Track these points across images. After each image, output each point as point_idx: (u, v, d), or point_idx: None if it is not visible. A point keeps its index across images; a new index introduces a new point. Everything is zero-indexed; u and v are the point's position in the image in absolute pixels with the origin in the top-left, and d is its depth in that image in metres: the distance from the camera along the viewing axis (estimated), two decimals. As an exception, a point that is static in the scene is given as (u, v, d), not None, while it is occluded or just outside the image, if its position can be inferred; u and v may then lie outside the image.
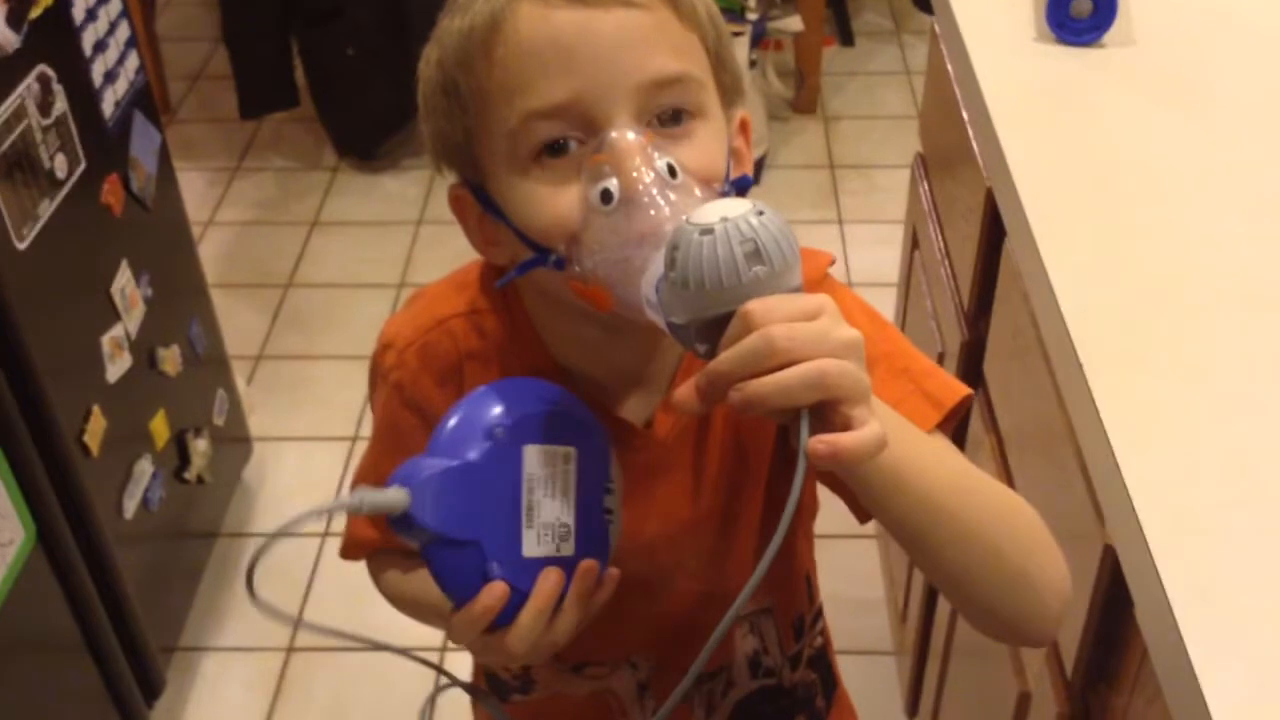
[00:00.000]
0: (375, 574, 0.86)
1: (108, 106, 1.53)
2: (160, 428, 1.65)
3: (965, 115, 1.18)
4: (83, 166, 1.44)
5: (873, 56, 3.16)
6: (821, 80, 2.97)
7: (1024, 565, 0.68)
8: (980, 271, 1.17)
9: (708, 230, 0.56)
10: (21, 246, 1.32)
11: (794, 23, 2.74)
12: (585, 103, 0.65)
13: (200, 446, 1.77)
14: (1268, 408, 0.77)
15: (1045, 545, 0.70)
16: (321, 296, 2.48)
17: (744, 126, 0.76)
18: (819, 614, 0.95)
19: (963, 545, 0.66)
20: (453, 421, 0.65)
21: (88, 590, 1.48)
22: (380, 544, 0.83)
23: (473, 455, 0.64)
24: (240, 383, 2.01)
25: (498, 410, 0.66)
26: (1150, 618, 0.69)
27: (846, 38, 3.19)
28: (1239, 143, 1.00)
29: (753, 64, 2.61)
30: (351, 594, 1.81)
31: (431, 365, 0.78)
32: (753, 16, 2.60)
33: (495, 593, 0.64)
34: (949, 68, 1.25)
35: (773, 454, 0.81)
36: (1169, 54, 1.11)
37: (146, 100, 1.65)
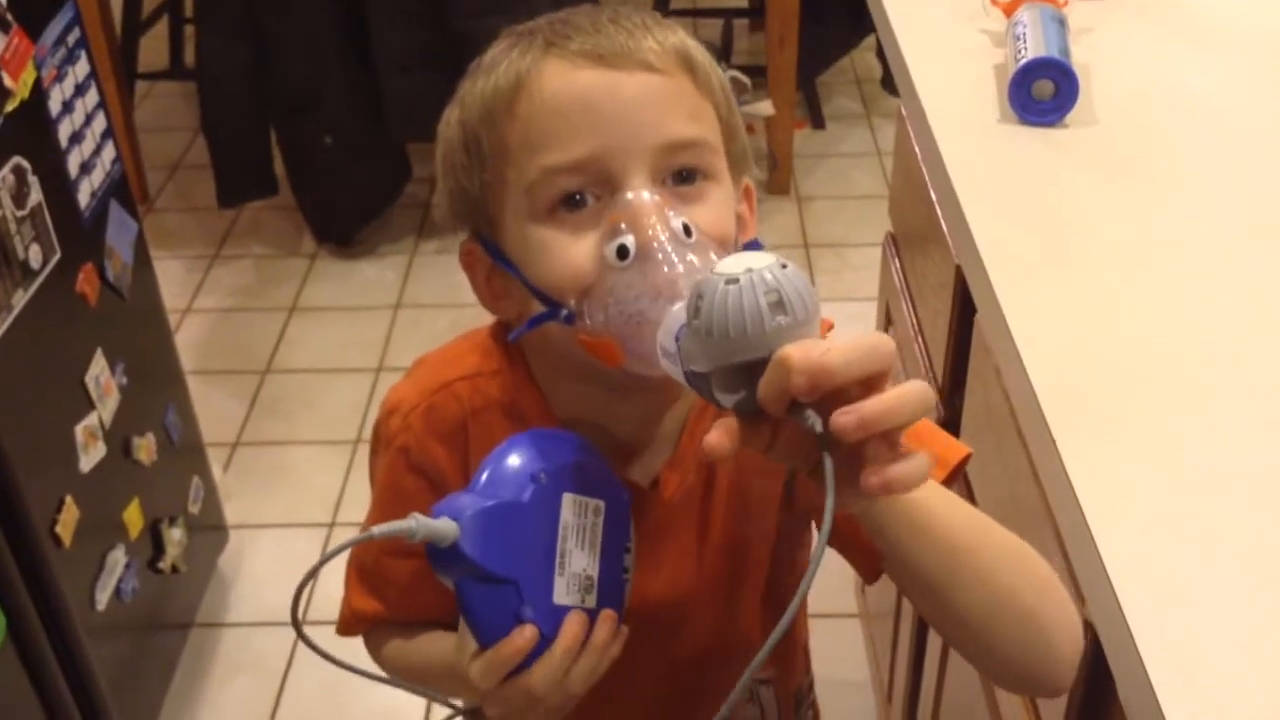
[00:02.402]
0: (375, 649, 0.85)
1: (84, 197, 1.54)
2: (134, 517, 1.64)
3: (933, 195, 1.19)
4: (57, 256, 1.45)
5: (844, 138, 3.22)
6: (794, 162, 3.01)
7: (1036, 607, 0.69)
8: (953, 348, 1.17)
9: (733, 280, 0.57)
10: (-5, 337, 1.31)
11: (765, 107, 2.79)
12: (604, 159, 0.68)
13: (175, 535, 1.75)
14: (1242, 479, 0.77)
15: (1055, 589, 0.70)
16: (299, 382, 2.48)
17: (748, 194, 0.78)
18: (811, 685, 0.94)
19: (979, 588, 0.67)
20: (499, 462, 0.66)
21: (59, 684, 1.46)
22: (383, 615, 0.82)
23: (521, 496, 0.65)
24: (216, 470, 2.00)
25: (539, 455, 0.67)
26: (1132, 695, 0.69)
27: (818, 121, 3.25)
28: (1200, 220, 1.02)
29: (726, 147, 2.64)
30: (328, 685, 1.79)
31: (437, 428, 0.79)
32: (725, 101, 2.65)
33: (526, 634, 0.64)
34: (915, 149, 1.27)
35: (778, 514, 0.81)
36: (1130, 134, 1.14)
37: (123, 190, 1.66)
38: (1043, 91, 1.13)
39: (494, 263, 0.73)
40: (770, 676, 0.89)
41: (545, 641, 0.65)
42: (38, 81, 1.42)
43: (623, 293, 0.65)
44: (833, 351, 0.54)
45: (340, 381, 2.45)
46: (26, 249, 1.38)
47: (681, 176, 0.70)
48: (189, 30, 3.18)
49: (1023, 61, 1.13)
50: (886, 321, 1.53)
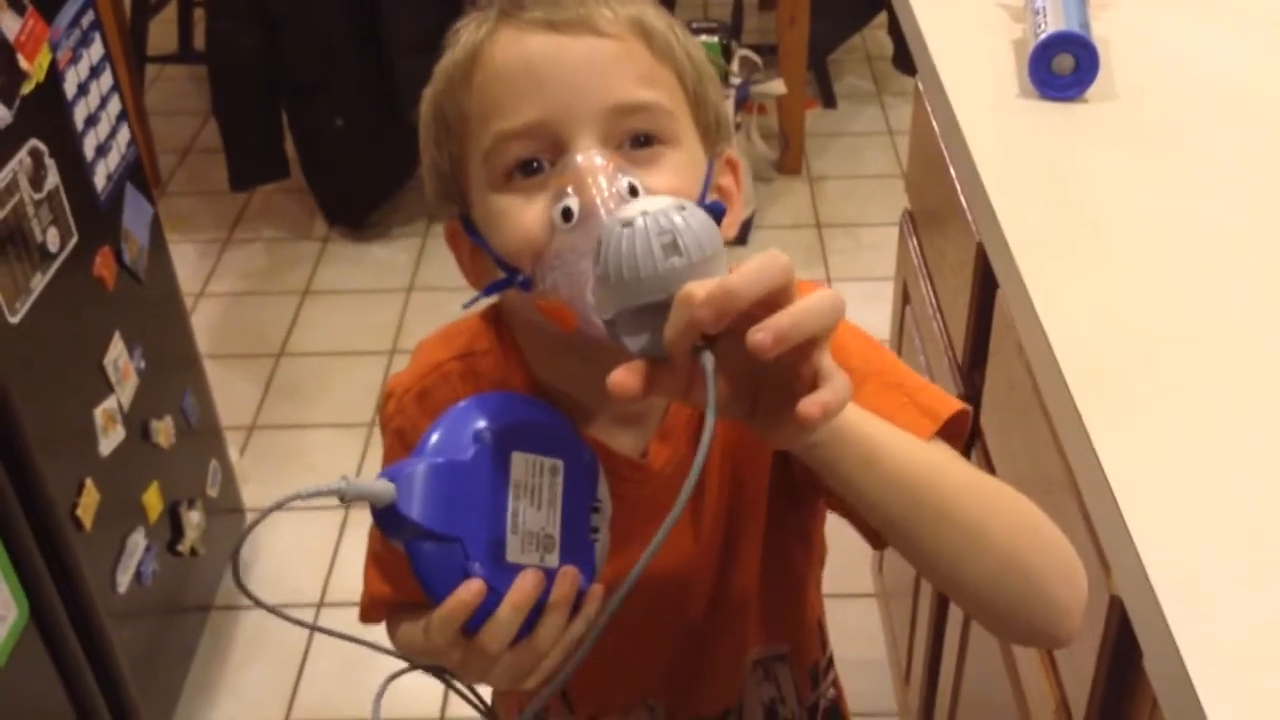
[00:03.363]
0: (392, 634, 0.85)
1: (100, 180, 1.54)
2: (153, 500, 1.64)
3: (953, 171, 1.19)
4: (75, 239, 1.45)
5: (855, 118, 3.20)
6: (805, 142, 3.00)
7: (1013, 545, 0.68)
8: (973, 325, 1.17)
9: (628, 223, 0.58)
10: (14, 320, 1.31)
11: (777, 86, 2.77)
12: (553, 124, 0.67)
13: (194, 518, 1.76)
14: (1270, 452, 0.77)
15: (1043, 530, 0.70)
16: (313, 365, 2.48)
17: (732, 165, 0.77)
18: (830, 662, 0.94)
19: (943, 524, 0.66)
20: (442, 424, 0.66)
21: (81, 666, 1.46)
22: (394, 598, 0.83)
23: (460, 455, 0.65)
24: (233, 453, 2.00)
25: (486, 416, 0.67)
26: (1159, 667, 0.69)
27: (829, 100, 3.23)
28: (1222, 194, 1.02)
29: (737, 127, 2.64)
30: (347, 667, 1.79)
31: (430, 409, 0.78)
32: (736, 81, 2.64)
33: (472, 588, 0.63)
34: (934, 125, 1.26)
35: (771, 482, 0.80)
36: (1150, 108, 1.13)
37: (138, 173, 1.66)
38: (1063, 66, 1.12)
39: (473, 241, 0.74)
40: (786, 651, 0.89)
41: (498, 596, 0.64)
42: (53, 64, 1.42)
43: (567, 254, 0.65)
44: (730, 276, 0.55)
45: (354, 364, 2.45)
46: (44, 232, 1.38)
47: (638, 141, 0.69)
48: (199, 14, 3.18)
49: (1043, 36, 1.12)
50: (904, 300, 1.52)
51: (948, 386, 1.26)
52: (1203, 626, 0.67)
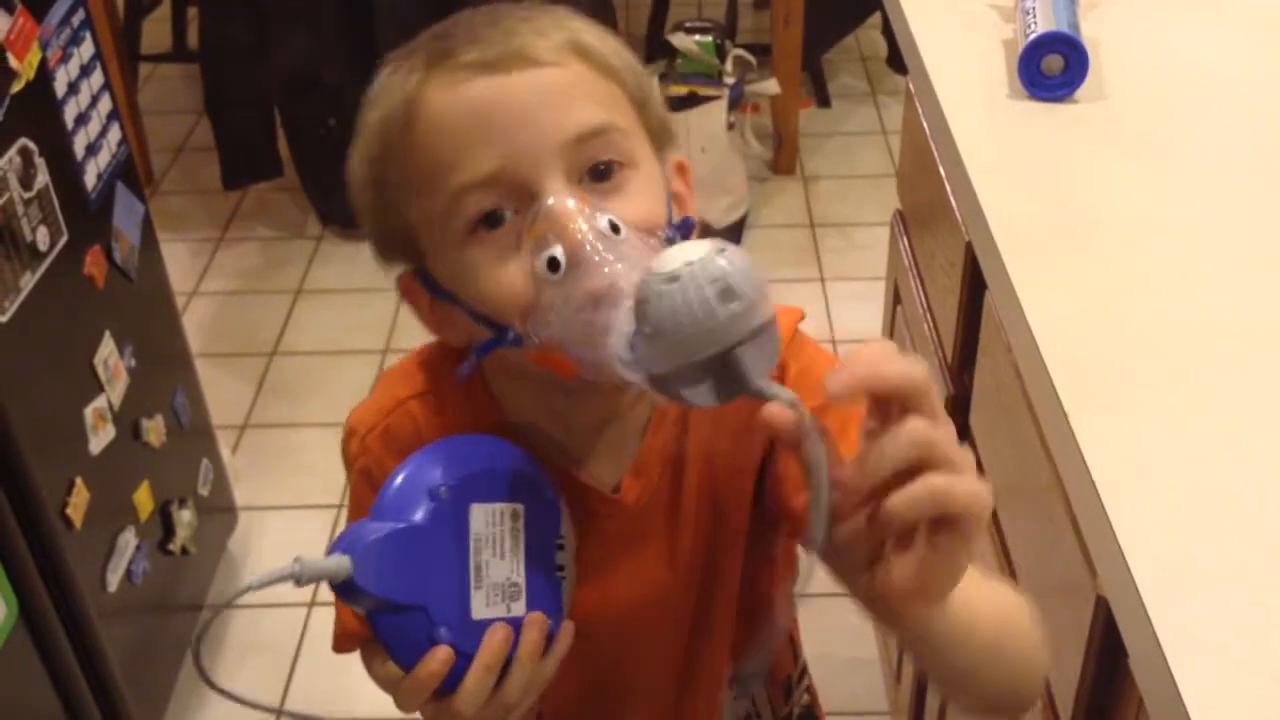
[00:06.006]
0: (367, 664, 0.85)
1: (90, 179, 1.54)
2: (144, 499, 1.64)
3: (942, 171, 1.19)
4: (65, 238, 1.45)
5: (849, 117, 3.20)
6: (799, 141, 3.00)
7: (1031, 664, 0.70)
8: (962, 325, 1.17)
9: (674, 278, 0.55)
10: (3, 319, 1.31)
11: (770, 85, 2.77)
12: (513, 170, 0.64)
13: (185, 517, 1.76)
14: (1254, 453, 0.77)
15: (1032, 627, 0.71)
16: (306, 364, 2.48)
17: (681, 170, 0.75)
18: (804, 671, 0.94)
19: (998, 667, 0.67)
20: (396, 483, 0.64)
21: (71, 666, 1.46)
22: (365, 633, 0.82)
23: (417, 517, 0.63)
24: (225, 452, 2.00)
25: (441, 469, 0.64)
26: (1145, 667, 0.69)
27: (823, 99, 3.23)
28: (1210, 194, 1.02)
29: (731, 126, 2.64)
30: (339, 667, 1.79)
31: (395, 448, 0.76)
32: (730, 80, 2.64)
33: (440, 657, 0.62)
34: (925, 125, 1.26)
35: (750, 512, 0.80)
36: (1140, 109, 1.13)
37: (129, 172, 1.66)
38: (1052, 66, 1.13)
39: (433, 296, 0.71)
40: (760, 670, 0.89)
41: (467, 659, 0.63)
42: (43, 63, 1.42)
43: (563, 306, 0.62)
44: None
45: (347, 364, 2.45)
46: (34, 231, 1.38)
47: (598, 172, 0.66)
48: (192, 12, 3.17)
49: (1032, 36, 1.12)
50: (895, 300, 1.53)
51: (937, 386, 1.26)
52: (1187, 626, 0.67)
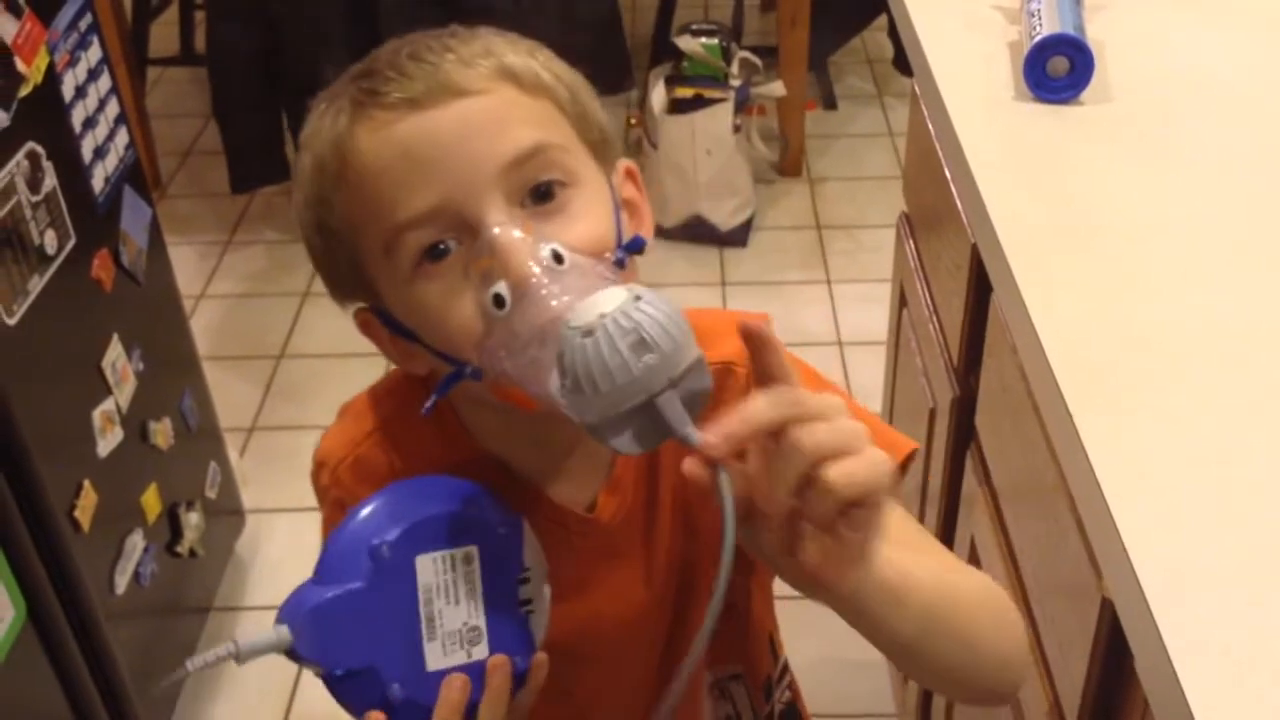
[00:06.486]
0: None
1: (98, 182, 1.54)
2: (152, 501, 1.64)
3: (948, 173, 1.19)
4: (73, 242, 1.45)
5: (855, 119, 3.20)
6: (806, 143, 3.00)
7: (996, 642, 0.70)
8: (968, 327, 1.17)
9: (588, 332, 0.55)
10: (11, 322, 1.32)
11: (777, 88, 2.77)
12: (452, 204, 0.64)
13: (192, 520, 1.76)
14: (1259, 454, 0.77)
15: (1008, 612, 0.71)
16: (313, 367, 2.48)
17: (631, 176, 0.74)
18: (785, 669, 0.94)
19: (947, 641, 0.67)
20: (337, 542, 0.63)
21: (79, 668, 1.47)
22: None
23: (356, 582, 0.61)
24: (233, 455, 2.01)
25: (384, 523, 0.63)
26: (1150, 669, 0.69)
27: (829, 101, 3.23)
28: (1216, 197, 1.02)
29: (737, 129, 2.64)
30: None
31: (366, 478, 0.76)
32: (736, 83, 2.64)
33: (375, 717, 0.62)
34: (930, 127, 1.26)
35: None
36: (1146, 111, 1.13)
37: (137, 175, 1.67)
38: (1058, 68, 1.12)
39: (391, 332, 0.71)
40: (740, 671, 0.89)
41: (426, 711, 0.62)
42: (51, 67, 1.43)
43: (512, 343, 0.61)
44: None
45: (353, 366, 2.44)
46: (42, 234, 1.38)
47: (539, 193, 0.65)
48: (199, 16, 3.18)
49: (1037, 38, 1.12)
50: (901, 302, 1.52)
51: (943, 389, 1.26)
52: (1192, 629, 0.67)
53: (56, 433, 1.42)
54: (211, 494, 1.86)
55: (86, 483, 1.46)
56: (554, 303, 0.60)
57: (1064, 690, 0.89)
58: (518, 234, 0.63)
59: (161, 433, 1.68)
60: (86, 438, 1.48)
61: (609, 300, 0.56)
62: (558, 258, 0.62)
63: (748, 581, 0.85)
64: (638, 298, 0.56)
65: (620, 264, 0.67)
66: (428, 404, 0.70)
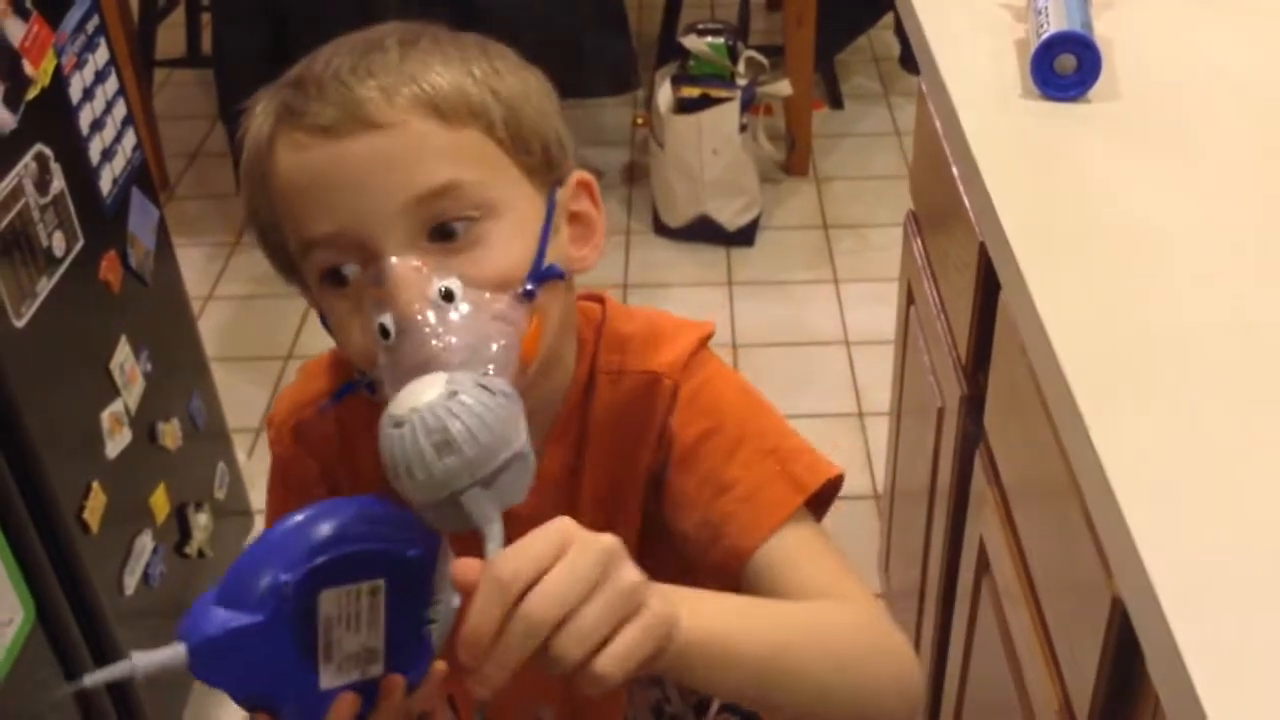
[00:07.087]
0: None
1: (105, 184, 1.54)
2: (161, 502, 1.65)
3: (955, 171, 1.19)
4: (80, 244, 1.45)
5: (862, 118, 3.20)
6: (812, 142, 3.00)
7: (861, 668, 0.69)
8: (976, 325, 1.17)
9: (399, 423, 0.56)
10: (19, 324, 1.32)
11: (783, 87, 2.77)
12: (352, 232, 0.65)
13: (201, 520, 1.76)
14: (1271, 451, 0.77)
15: (877, 651, 0.71)
16: (320, 368, 2.49)
17: (585, 188, 0.74)
18: None
19: (794, 693, 0.66)
20: (245, 565, 0.62)
21: (88, 669, 1.46)
22: None
23: (257, 616, 0.61)
24: (241, 455, 2.01)
25: (292, 558, 0.61)
26: (1161, 669, 0.68)
27: (836, 101, 3.23)
28: (1225, 194, 1.01)
29: (744, 128, 2.64)
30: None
31: (306, 444, 0.78)
32: (742, 82, 2.64)
33: None
34: (937, 126, 1.26)
35: (641, 521, 0.80)
36: (1154, 108, 1.13)
37: (144, 177, 1.67)
38: (1065, 66, 1.12)
39: (323, 324, 0.73)
40: None
41: None
42: (58, 69, 1.43)
43: (392, 372, 0.63)
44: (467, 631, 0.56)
45: (361, 367, 2.46)
46: (50, 236, 1.39)
47: (444, 232, 0.66)
48: (206, 17, 3.19)
49: (1045, 36, 1.12)
50: (908, 301, 1.52)
51: (951, 387, 1.25)
52: (1204, 628, 0.66)
53: (65, 434, 1.42)
54: (220, 495, 1.86)
55: (95, 484, 1.46)
56: (435, 342, 0.62)
57: (1074, 690, 0.89)
58: (415, 264, 0.64)
59: (170, 434, 1.68)
60: (95, 439, 1.48)
61: (427, 392, 0.57)
62: (448, 295, 0.63)
63: (679, 574, 0.86)
64: (454, 393, 0.57)
65: (530, 295, 0.67)
66: (325, 405, 0.74)
